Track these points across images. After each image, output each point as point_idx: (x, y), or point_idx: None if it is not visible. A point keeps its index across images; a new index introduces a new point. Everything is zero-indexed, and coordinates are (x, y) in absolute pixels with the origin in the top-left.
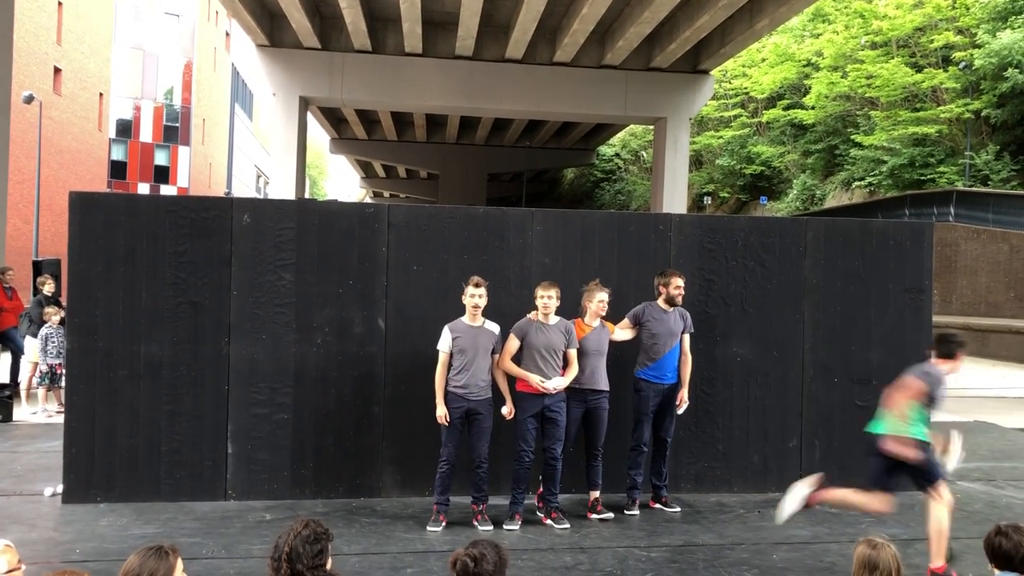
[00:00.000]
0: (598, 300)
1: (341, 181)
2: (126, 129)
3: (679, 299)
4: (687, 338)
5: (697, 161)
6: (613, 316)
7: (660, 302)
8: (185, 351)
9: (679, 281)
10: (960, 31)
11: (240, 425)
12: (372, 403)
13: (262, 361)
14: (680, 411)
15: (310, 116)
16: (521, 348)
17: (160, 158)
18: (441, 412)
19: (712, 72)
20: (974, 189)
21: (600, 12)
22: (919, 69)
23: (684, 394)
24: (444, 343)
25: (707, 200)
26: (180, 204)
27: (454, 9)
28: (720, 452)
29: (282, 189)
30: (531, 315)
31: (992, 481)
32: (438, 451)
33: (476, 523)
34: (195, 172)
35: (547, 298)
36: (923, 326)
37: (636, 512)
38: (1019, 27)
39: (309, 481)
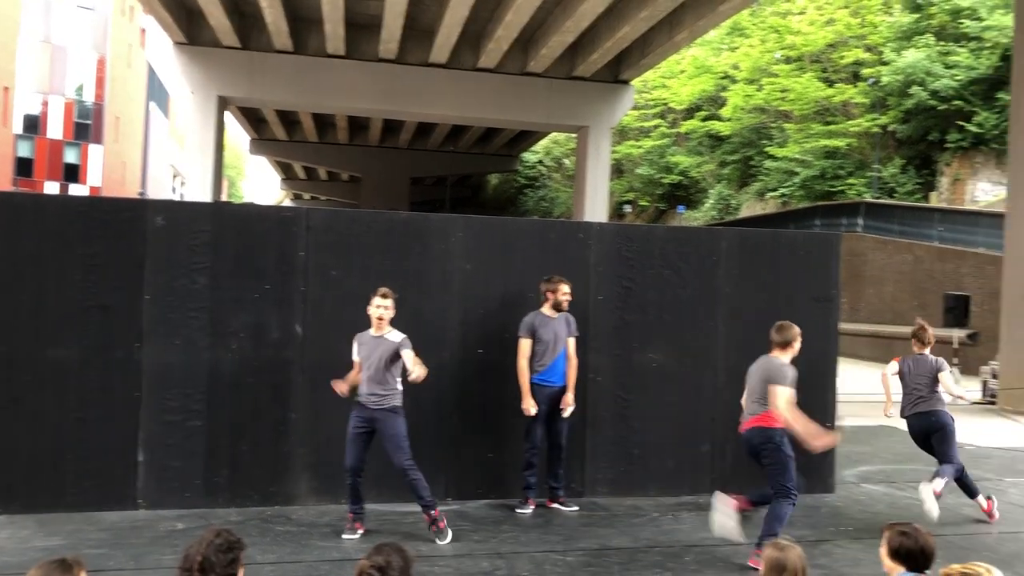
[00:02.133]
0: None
1: (261, 182)
2: (33, 125)
3: (566, 305)
4: (572, 342)
5: (618, 170)
6: (515, 323)
7: (546, 308)
8: (94, 356)
9: (566, 288)
10: (869, 48)
11: (152, 432)
12: (289, 409)
13: (175, 367)
14: (565, 414)
15: (228, 116)
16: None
17: (70, 156)
18: (341, 387)
19: (632, 82)
20: (881, 201)
21: (524, 19)
22: (830, 84)
23: (569, 397)
24: (354, 352)
25: (627, 208)
26: (91, 205)
27: (378, 12)
28: (636, 456)
29: (198, 190)
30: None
31: (893, 483)
32: None
33: (432, 532)
34: (108, 171)
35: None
36: (830, 333)
37: (528, 511)
38: (922, 47)
39: (223, 489)
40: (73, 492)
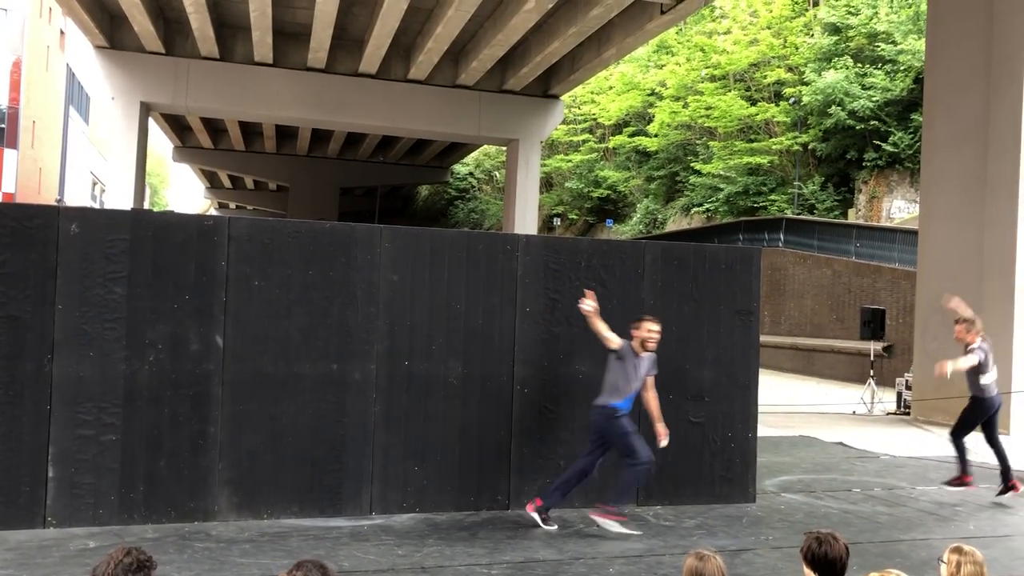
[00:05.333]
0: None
1: (185, 191)
2: None
3: (649, 344)
4: (650, 380)
5: (548, 183)
6: (441, 335)
7: (634, 344)
8: (2, 369)
9: (650, 326)
10: (790, 69)
11: (63, 447)
12: (208, 423)
13: (89, 379)
14: (663, 443)
15: (152, 122)
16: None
17: None
18: None
19: (562, 97)
20: (802, 217)
21: (454, 32)
22: (753, 102)
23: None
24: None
25: (557, 221)
26: None
27: (306, 20)
28: (562, 468)
29: (120, 198)
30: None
31: (812, 492)
32: (278, 472)
33: None
34: (23, 177)
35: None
36: (751, 346)
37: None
38: (841, 68)
39: (139, 505)
40: None
